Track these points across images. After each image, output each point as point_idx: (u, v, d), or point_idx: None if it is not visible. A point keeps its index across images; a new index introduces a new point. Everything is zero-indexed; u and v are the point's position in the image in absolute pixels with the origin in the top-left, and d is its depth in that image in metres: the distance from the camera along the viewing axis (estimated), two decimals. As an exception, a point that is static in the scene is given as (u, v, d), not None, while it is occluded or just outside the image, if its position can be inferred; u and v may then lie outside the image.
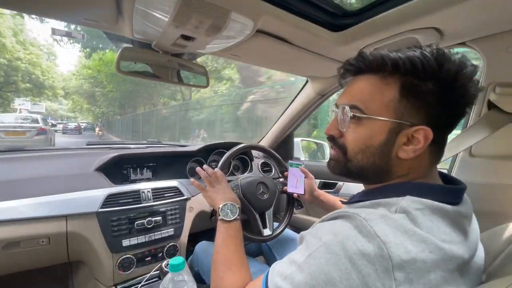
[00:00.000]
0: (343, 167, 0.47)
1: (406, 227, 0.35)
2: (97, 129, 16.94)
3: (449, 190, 0.43)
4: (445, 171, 0.52)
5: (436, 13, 0.61)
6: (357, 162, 0.45)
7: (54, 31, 9.97)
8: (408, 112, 0.40)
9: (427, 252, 0.34)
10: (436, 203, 0.38)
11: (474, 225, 0.45)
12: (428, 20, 0.65)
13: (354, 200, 0.49)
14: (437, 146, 0.43)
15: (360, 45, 0.81)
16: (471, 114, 0.83)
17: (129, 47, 0.72)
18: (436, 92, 0.39)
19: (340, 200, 0.90)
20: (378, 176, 0.45)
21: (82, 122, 25.56)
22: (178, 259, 0.57)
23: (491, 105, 0.78)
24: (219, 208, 0.68)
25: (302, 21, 0.68)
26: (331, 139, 0.48)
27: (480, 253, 0.45)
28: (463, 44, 0.75)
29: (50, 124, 10.13)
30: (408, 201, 0.38)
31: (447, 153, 0.72)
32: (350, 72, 0.46)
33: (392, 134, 0.41)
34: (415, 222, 0.36)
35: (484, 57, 0.78)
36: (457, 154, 0.87)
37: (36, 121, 7.82)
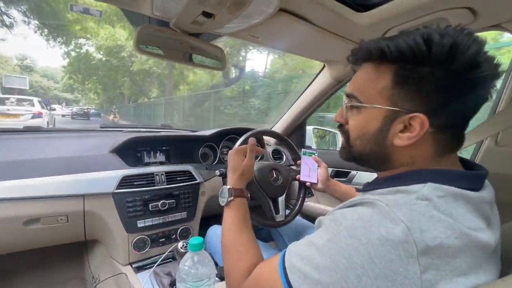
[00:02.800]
0: (347, 152, 0.49)
1: (431, 213, 0.34)
2: (111, 116, 16.96)
3: (471, 176, 0.41)
4: None
5: None
6: (356, 148, 0.46)
7: (72, 7, 9.86)
8: (402, 99, 0.40)
9: (453, 238, 0.33)
10: (458, 189, 0.37)
11: (495, 211, 0.44)
12: (462, -1, 0.61)
13: (369, 188, 0.48)
14: (446, 133, 0.40)
15: (385, 27, 0.77)
16: (501, 100, 0.79)
17: (148, 25, 0.71)
18: (432, 77, 0.37)
19: (356, 189, 0.89)
20: (378, 163, 0.46)
21: (89, 108, 24.86)
22: (197, 239, 0.57)
23: None
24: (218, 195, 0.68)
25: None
26: (339, 126, 0.51)
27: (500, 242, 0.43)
28: (497, 26, 0.71)
29: (49, 108, 9.68)
30: (429, 188, 0.37)
31: (469, 140, 0.70)
32: (357, 60, 0.46)
33: (387, 121, 0.41)
34: (439, 209, 0.35)
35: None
36: (482, 143, 0.84)
37: (32, 103, 7.40)
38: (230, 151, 0.74)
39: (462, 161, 0.46)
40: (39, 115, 6.96)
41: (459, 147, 0.43)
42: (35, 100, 7.67)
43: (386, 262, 0.32)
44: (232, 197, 0.63)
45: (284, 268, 0.41)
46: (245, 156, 0.72)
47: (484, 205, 0.39)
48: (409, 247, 0.32)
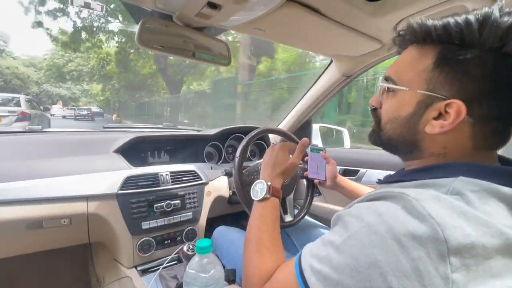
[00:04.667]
0: (376, 135, 0.48)
1: (464, 209, 0.31)
2: (114, 115, 16.97)
3: (507, 172, 0.37)
4: None
5: None
6: (386, 132, 0.45)
7: (72, 1, 9.49)
8: (441, 83, 0.37)
9: (488, 236, 0.30)
10: (493, 185, 0.34)
11: None
12: (483, -16, 0.58)
13: (391, 179, 0.46)
14: (487, 126, 0.37)
15: (398, 17, 0.73)
16: None
17: (150, 18, 0.68)
18: (479, 61, 0.35)
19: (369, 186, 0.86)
20: (408, 149, 0.44)
21: (92, 107, 23.65)
22: (205, 241, 0.54)
23: None
24: (252, 186, 0.65)
25: (338, -12, 0.62)
26: (373, 110, 0.49)
27: None
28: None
29: (42, 108, 8.27)
30: (461, 182, 0.34)
31: None
32: (402, 43, 0.44)
33: (421, 106, 0.39)
34: (472, 205, 0.32)
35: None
36: None
37: (18, 103, 5.92)
38: (272, 145, 0.72)
39: (498, 156, 0.42)
40: (24, 117, 5.68)
41: (502, 145, 0.40)
42: (22, 98, 6.19)
43: (414, 261, 0.30)
44: (268, 195, 0.61)
45: (301, 271, 0.39)
46: (290, 155, 0.70)
47: None
48: (439, 245, 0.29)
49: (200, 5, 0.59)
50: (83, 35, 13.98)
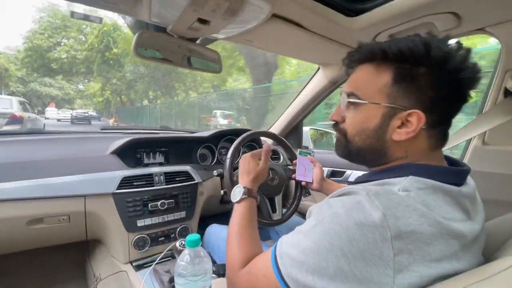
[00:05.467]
0: (345, 148, 0.51)
1: (408, 203, 0.37)
2: (112, 119, 16.55)
3: (452, 172, 0.45)
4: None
5: None
6: (355, 143, 0.48)
7: (73, 14, 10.10)
8: (400, 97, 0.43)
9: (426, 225, 0.36)
10: (438, 183, 0.40)
11: (479, 207, 0.47)
12: (446, 5, 0.64)
13: (359, 180, 0.52)
14: (436, 130, 0.44)
15: (376, 31, 0.80)
16: (487, 101, 0.82)
17: (146, 31, 0.73)
18: (428, 77, 0.41)
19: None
20: (376, 157, 0.48)
21: (88, 111, 21.09)
22: (195, 236, 0.59)
23: (507, 93, 0.77)
24: (232, 191, 0.72)
25: (318, 5, 0.68)
26: (335, 124, 0.53)
27: (483, 236, 0.46)
28: (482, 30, 0.73)
29: (36, 111, 7.74)
30: (411, 181, 0.40)
31: (458, 139, 0.73)
32: (354, 62, 0.49)
33: (386, 117, 0.44)
34: (416, 200, 0.38)
35: (502, 44, 0.76)
36: (470, 142, 0.87)
37: (11, 103, 5.57)
38: (244, 155, 0.80)
39: (447, 158, 0.49)
40: (16, 120, 5.33)
41: (445, 144, 0.47)
42: (14, 100, 5.88)
43: (363, 245, 0.35)
44: (245, 196, 0.69)
45: (275, 256, 0.44)
46: (259, 160, 0.78)
47: (463, 199, 0.42)
48: (384, 232, 0.35)
49: (191, 21, 0.65)
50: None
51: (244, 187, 0.70)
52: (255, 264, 0.51)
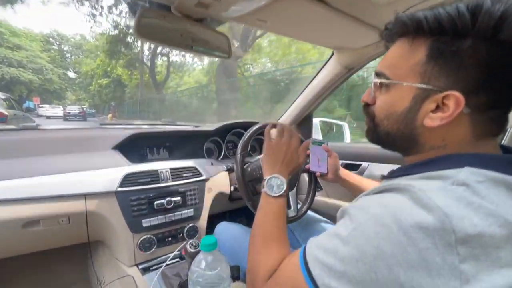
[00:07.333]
0: (373, 132, 0.47)
1: (470, 199, 0.31)
2: (110, 114, 16.08)
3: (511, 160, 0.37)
4: None
5: None
6: (383, 128, 0.44)
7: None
8: (436, 76, 0.37)
9: (496, 226, 0.29)
10: (499, 174, 0.33)
11: None
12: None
13: (396, 174, 0.45)
14: (484, 115, 0.37)
15: (404, 6, 0.72)
16: None
17: (148, 9, 0.65)
18: (474, 51, 0.34)
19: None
20: (408, 145, 0.43)
21: (83, 107, 19.95)
22: (210, 238, 0.52)
23: None
24: (265, 179, 0.63)
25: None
26: (365, 106, 0.48)
27: None
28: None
29: (23, 108, 7.04)
30: (467, 173, 0.33)
31: None
32: (390, 36, 0.43)
33: (417, 100, 0.39)
34: (478, 195, 0.31)
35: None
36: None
37: None
38: (284, 141, 0.68)
39: (499, 146, 0.42)
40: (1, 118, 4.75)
41: (500, 132, 0.39)
42: None
43: (421, 251, 0.30)
44: (284, 193, 0.60)
45: (305, 263, 0.38)
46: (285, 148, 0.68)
47: None
48: (446, 235, 0.29)
49: (200, -7, 0.57)
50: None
51: (285, 180, 0.61)
52: (283, 272, 0.44)
